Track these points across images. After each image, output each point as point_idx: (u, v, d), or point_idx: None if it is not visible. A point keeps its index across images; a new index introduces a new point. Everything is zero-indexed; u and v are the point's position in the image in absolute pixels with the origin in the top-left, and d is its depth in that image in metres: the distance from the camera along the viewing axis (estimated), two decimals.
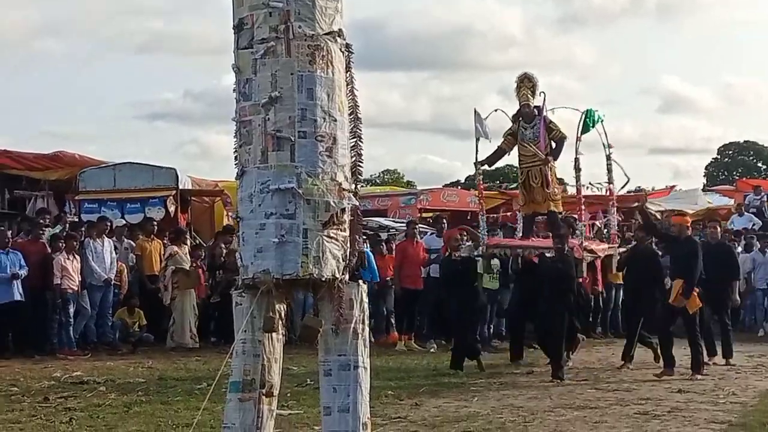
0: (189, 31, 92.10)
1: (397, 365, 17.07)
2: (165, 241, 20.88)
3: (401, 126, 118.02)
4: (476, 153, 18.19)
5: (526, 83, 18.02)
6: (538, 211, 18.59)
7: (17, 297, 17.95)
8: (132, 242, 21.07)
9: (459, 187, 49.87)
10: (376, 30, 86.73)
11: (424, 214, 29.28)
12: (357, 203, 8.65)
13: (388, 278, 20.58)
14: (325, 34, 8.41)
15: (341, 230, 8.45)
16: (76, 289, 18.75)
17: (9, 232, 19.14)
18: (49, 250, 18.76)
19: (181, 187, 24.01)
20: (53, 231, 20.27)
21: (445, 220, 22.40)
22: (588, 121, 17.70)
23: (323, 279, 8.30)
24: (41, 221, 20.53)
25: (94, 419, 12.08)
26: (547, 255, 17.10)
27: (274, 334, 8.44)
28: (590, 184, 19.09)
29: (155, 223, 21.77)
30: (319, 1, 8.40)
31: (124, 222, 22.45)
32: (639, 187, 24.47)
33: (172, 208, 23.35)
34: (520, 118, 18.02)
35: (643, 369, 16.59)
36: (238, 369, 8.46)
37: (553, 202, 18.14)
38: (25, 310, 18.23)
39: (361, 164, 8.69)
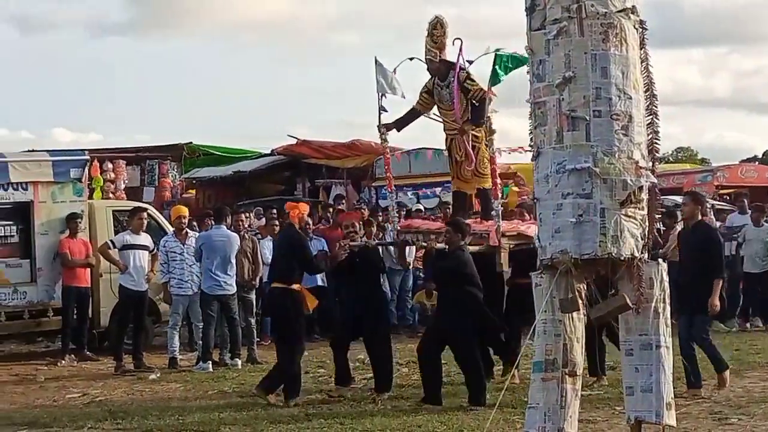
0: (478, 17, 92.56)
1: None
2: None
3: (699, 103, 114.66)
4: (379, 112, 13.75)
5: (435, 31, 13.53)
6: (464, 190, 14.07)
7: (319, 282, 18.62)
8: None
9: (757, 163, 48.17)
10: (671, 7, 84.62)
11: (721, 191, 28.50)
12: (655, 181, 8.60)
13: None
14: (618, 11, 8.37)
15: (639, 209, 8.42)
16: None
17: (310, 220, 19.80)
18: None
19: None
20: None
21: (745, 198, 21.64)
22: (498, 68, 12.75)
23: (622, 258, 8.30)
24: (341, 208, 21.23)
25: (397, 400, 12.45)
26: (437, 247, 13.16)
27: (574, 314, 8.49)
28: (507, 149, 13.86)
29: (449, 207, 22.02)
30: None
31: (421, 207, 22.79)
32: None
33: None
34: (436, 76, 13.69)
35: None
36: (540, 349, 8.58)
37: (482, 178, 13.68)
38: (326, 293, 18.91)
39: (657, 142, 8.62)
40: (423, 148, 24.88)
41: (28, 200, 16.65)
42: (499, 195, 13.37)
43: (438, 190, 23.38)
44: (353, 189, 25.41)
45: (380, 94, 13.61)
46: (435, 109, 13.93)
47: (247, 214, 18.93)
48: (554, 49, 8.38)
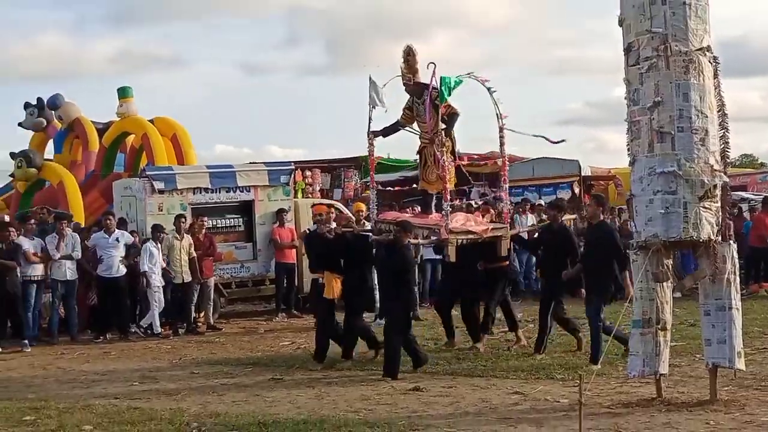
0: (590, 56, 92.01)
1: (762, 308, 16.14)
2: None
3: (759, 120, 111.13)
4: (369, 122, 12.75)
5: (409, 57, 12.47)
6: (429, 190, 12.98)
7: None
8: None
9: None
10: (738, 44, 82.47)
11: None
12: (726, 180, 8.52)
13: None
14: (696, 50, 8.40)
15: (714, 202, 8.39)
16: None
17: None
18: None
19: (583, 174, 24.20)
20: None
21: None
22: (443, 89, 11.94)
23: (700, 240, 8.30)
24: (491, 202, 21.37)
25: (527, 347, 12.38)
26: (374, 239, 12.30)
27: (664, 283, 8.54)
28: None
29: (565, 201, 21.88)
30: (690, 24, 8.36)
31: (542, 202, 22.68)
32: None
33: (576, 190, 23.67)
34: (413, 95, 12.66)
35: None
36: (638, 310, 8.66)
37: (447, 182, 12.27)
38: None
39: (728, 150, 8.56)
40: (543, 157, 24.79)
41: (251, 199, 17.10)
42: (448, 197, 12.02)
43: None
44: (490, 189, 25.43)
45: (371, 106, 12.59)
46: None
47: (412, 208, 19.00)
48: (646, 80, 8.41)
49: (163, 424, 8.43)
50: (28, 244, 14.85)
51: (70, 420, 8.76)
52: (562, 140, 13.59)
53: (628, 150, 8.68)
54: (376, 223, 12.80)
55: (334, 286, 11.81)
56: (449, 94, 12.09)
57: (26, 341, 14.22)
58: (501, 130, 12.44)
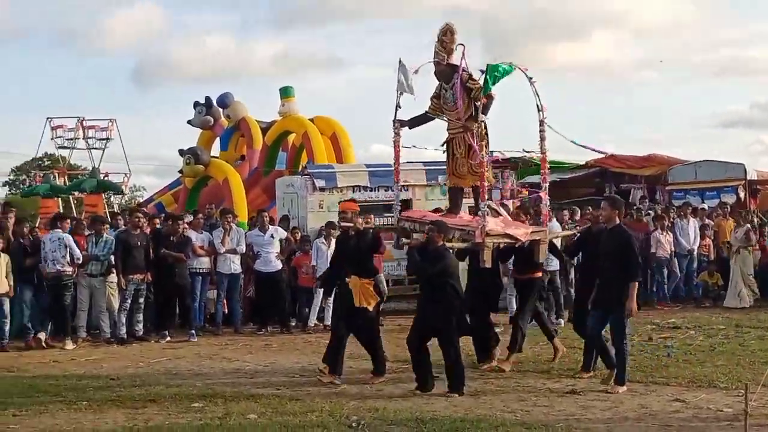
0: (755, 57, 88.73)
1: None
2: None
3: None
4: (396, 108, 11.94)
5: (444, 37, 11.42)
6: (460, 185, 11.95)
7: None
8: (711, 221, 20.50)
9: None
10: None
11: None
12: None
13: None
14: None
15: None
16: (667, 256, 18.69)
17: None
18: (651, 228, 18.93)
19: (749, 178, 23.35)
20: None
21: None
22: (488, 78, 10.89)
23: None
24: (641, 207, 20.92)
25: (687, 355, 12.15)
26: (406, 242, 11.60)
27: None
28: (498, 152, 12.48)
29: (728, 206, 21.17)
30: None
31: (705, 206, 22.04)
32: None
33: (742, 195, 22.83)
34: (442, 80, 11.64)
35: None
36: None
37: (476, 176, 11.35)
38: None
39: None
40: (706, 160, 24.12)
41: (409, 198, 17.18)
42: (486, 196, 11.03)
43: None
44: (647, 192, 24.88)
45: (399, 92, 11.68)
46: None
47: (565, 211, 18.72)
48: None
49: (324, 417, 8.67)
50: (195, 238, 15.50)
51: (236, 408, 9.13)
52: (604, 153, 12.04)
53: None
54: (399, 221, 12.17)
55: (362, 292, 10.88)
56: (494, 83, 10.93)
57: (193, 332, 14.84)
58: (541, 123, 11.17)
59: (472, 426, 8.13)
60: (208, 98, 25.09)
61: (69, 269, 14.21)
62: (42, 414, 9.03)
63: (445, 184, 17.23)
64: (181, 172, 23.83)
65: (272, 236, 15.81)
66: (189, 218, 16.58)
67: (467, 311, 10.95)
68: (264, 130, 24.39)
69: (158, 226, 15.86)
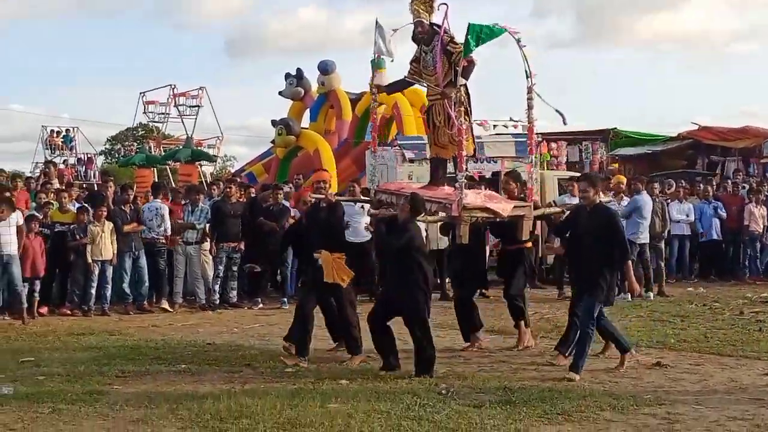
0: None
1: None
2: None
3: None
4: (372, 73, 11.38)
5: None
6: (441, 156, 10.94)
7: (714, 236, 18.31)
8: None
9: None
10: None
11: None
12: None
13: None
14: None
15: None
16: (760, 230, 18.42)
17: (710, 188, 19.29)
18: (746, 201, 18.67)
19: None
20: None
21: None
22: (470, 38, 9.74)
23: None
24: (736, 180, 20.61)
25: None
26: (374, 212, 10.85)
27: None
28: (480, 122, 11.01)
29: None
30: None
31: None
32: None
33: None
34: (421, 43, 10.63)
35: None
36: None
37: (463, 148, 10.16)
38: (722, 246, 18.59)
39: None
40: None
41: (497, 170, 17.14)
42: (464, 167, 10.13)
43: None
44: (742, 164, 24.37)
45: (376, 54, 10.99)
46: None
47: (656, 184, 18.48)
48: None
49: (414, 384, 8.83)
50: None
51: (327, 373, 9.37)
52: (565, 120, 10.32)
53: None
54: (376, 194, 11.45)
55: (334, 267, 10.24)
56: (476, 45, 9.86)
57: (285, 299, 15.17)
58: (530, 91, 10.09)
59: (560, 395, 8.20)
60: (299, 70, 25.41)
61: (162, 238, 14.79)
62: (144, 375, 9.40)
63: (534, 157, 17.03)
64: (273, 142, 24.22)
65: (363, 207, 15.96)
66: (287, 188, 16.89)
67: (457, 285, 11.10)
68: (353, 102, 24.58)
69: (253, 194, 16.25)
